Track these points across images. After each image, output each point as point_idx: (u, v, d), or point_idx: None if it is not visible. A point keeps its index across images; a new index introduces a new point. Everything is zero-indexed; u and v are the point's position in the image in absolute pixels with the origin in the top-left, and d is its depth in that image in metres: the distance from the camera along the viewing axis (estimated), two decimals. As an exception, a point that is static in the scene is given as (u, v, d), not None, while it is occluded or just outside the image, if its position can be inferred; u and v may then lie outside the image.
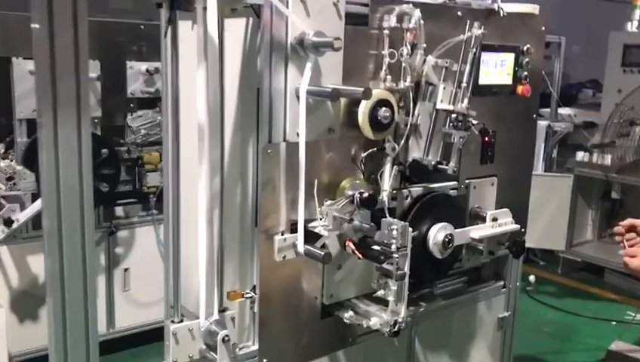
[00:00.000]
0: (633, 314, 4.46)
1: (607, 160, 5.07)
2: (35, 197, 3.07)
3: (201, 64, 1.60)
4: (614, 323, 4.34)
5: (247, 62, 1.75)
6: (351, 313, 1.91)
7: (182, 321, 1.67)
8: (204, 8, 1.58)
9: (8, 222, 2.97)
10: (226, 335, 1.60)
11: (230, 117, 1.78)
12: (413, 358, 2.25)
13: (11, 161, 3.07)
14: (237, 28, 1.73)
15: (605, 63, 5.15)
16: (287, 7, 1.63)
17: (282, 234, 1.77)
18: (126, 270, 3.66)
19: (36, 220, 3.05)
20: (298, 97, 1.70)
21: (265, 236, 1.74)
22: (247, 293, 1.77)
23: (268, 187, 1.73)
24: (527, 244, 2.46)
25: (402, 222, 1.77)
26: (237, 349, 1.77)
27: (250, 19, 1.72)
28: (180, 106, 1.70)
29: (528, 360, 2.67)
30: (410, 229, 1.79)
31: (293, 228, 1.78)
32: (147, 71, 3.47)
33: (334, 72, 1.75)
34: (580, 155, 5.13)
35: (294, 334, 1.88)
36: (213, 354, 1.61)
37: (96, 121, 3.36)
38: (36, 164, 2.95)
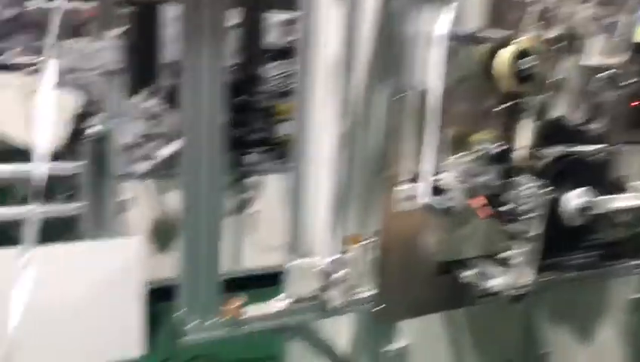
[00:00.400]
0: None
1: None
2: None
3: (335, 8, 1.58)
4: None
5: (383, 5, 1.70)
6: (470, 272, 1.83)
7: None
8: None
9: (150, 158, 3.19)
10: (343, 276, 1.60)
11: (361, 61, 1.74)
12: (530, 329, 2.14)
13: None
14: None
15: None
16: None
17: (406, 184, 1.73)
18: (254, 214, 3.81)
19: (175, 158, 3.25)
20: (434, 42, 1.62)
21: (389, 184, 1.71)
22: (366, 239, 1.76)
23: (395, 135, 1.69)
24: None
25: (538, 181, 1.66)
26: (352, 292, 1.77)
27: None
28: (314, 55, 1.69)
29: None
30: (543, 191, 1.67)
31: (418, 179, 1.73)
32: (283, 22, 3.52)
33: (475, 16, 1.65)
34: None
35: (410, 285, 1.85)
36: (329, 294, 1.63)
37: (232, 69, 3.47)
38: (178, 105, 3.15)
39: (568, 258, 2.13)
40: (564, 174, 1.91)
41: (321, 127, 1.74)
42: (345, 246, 1.74)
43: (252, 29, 3.54)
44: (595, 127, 1.86)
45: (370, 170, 1.78)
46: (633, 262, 2.31)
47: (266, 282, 3.76)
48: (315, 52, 1.71)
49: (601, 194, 1.98)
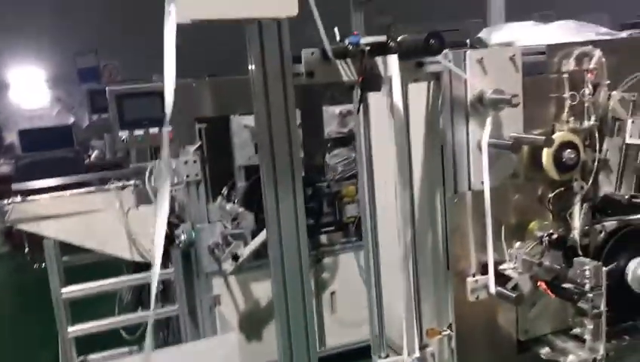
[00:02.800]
0: None
1: None
2: (254, 234, 3.55)
3: (390, 127, 1.83)
4: None
5: (431, 121, 1.93)
6: (547, 349, 1.97)
7: (387, 356, 1.89)
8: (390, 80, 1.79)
9: (235, 257, 3.48)
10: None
11: (418, 171, 1.97)
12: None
13: (234, 203, 3.61)
14: (420, 92, 1.92)
15: None
16: (465, 69, 1.78)
17: (474, 276, 1.90)
18: (332, 293, 4.02)
19: (255, 253, 3.53)
20: (480, 149, 1.83)
21: (457, 278, 1.89)
22: (444, 331, 1.93)
23: (457, 232, 1.88)
24: None
25: (595, 262, 1.80)
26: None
27: (432, 83, 1.90)
28: (374, 166, 1.94)
29: None
30: (604, 268, 1.81)
31: (483, 270, 1.91)
32: (340, 113, 3.82)
33: (515, 122, 1.85)
34: None
35: (492, 368, 2.00)
36: (416, 388, 1.81)
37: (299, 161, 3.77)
38: (255, 204, 3.45)
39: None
40: (621, 245, 2.04)
41: (385, 210, 1.95)
42: (425, 341, 1.92)
43: (315, 122, 3.85)
44: (644, 199, 1.98)
45: (439, 266, 1.97)
46: None
47: (350, 357, 3.96)
48: (374, 167, 1.96)
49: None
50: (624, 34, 2.21)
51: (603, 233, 2.06)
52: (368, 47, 1.81)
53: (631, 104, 1.96)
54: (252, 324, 3.77)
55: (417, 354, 1.84)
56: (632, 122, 1.96)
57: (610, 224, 2.08)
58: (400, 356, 1.86)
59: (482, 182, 1.83)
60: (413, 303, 1.90)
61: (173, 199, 3.61)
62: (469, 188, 1.86)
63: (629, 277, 2.02)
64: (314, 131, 3.87)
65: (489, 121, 1.80)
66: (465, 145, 1.84)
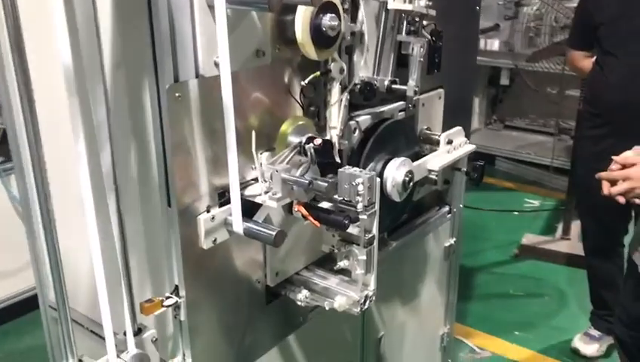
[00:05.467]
0: (532, 202, 4.50)
1: (495, 45, 4.92)
2: None
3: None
4: (516, 213, 4.32)
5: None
6: (305, 292, 1.46)
7: (80, 363, 1.12)
8: None
9: None
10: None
11: (108, 46, 1.15)
12: (367, 316, 1.88)
13: None
14: None
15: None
16: None
17: (209, 211, 1.24)
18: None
19: None
20: (211, 8, 1.11)
21: (184, 217, 1.20)
22: (167, 298, 1.25)
23: (180, 147, 1.17)
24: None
25: (368, 173, 1.31)
26: (164, 374, 1.27)
27: None
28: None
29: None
30: (378, 180, 1.34)
31: (222, 201, 1.26)
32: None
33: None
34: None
35: (236, 333, 1.41)
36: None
37: None
38: None
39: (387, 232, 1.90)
40: (379, 147, 1.61)
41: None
42: (140, 321, 1.21)
43: None
44: (409, 85, 1.56)
45: (154, 205, 1.24)
46: (441, 211, 2.19)
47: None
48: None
49: (416, 156, 1.75)
50: None
51: (357, 131, 1.60)
52: None
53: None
54: None
55: (133, 349, 1.12)
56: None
57: (364, 118, 1.62)
58: (103, 359, 1.11)
59: (216, 63, 1.14)
60: (119, 268, 1.15)
61: None
62: (197, 76, 1.15)
63: (388, 185, 1.61)
64: None
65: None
66: (188, 3, 1.11)
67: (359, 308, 1.40)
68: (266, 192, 1.26)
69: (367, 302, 1.42)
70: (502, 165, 5.16)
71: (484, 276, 3.50)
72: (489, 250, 3.81)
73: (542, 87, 5.05)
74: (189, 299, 1.26)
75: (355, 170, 1.33)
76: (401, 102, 1.77)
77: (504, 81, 5.07)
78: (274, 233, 1.21)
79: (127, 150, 1.24)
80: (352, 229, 1.35)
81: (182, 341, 1.30)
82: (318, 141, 1.30)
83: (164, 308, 1.23)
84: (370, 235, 1.37)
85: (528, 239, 3.79)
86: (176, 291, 1.26)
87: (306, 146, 1.28)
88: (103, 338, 1.12)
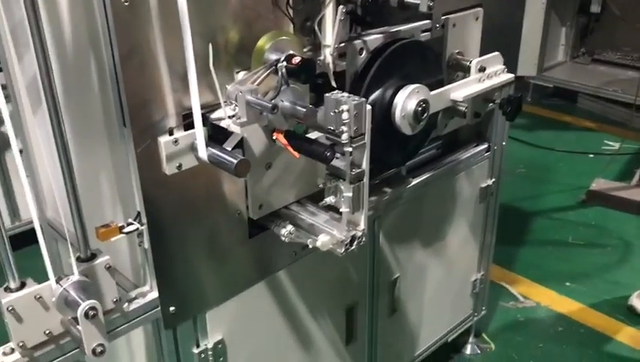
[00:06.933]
0: (612, 144, 4.09)
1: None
2: None
3: None
4: (592, 155, 3.95)
5: None
6: (290, 228, 1.33)
7: (22, 287, 1.06)
8: None
9: None
10: (91, 308, 1.02)
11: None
12: (377, 257, 1.75)
13: None
14: None
15: None
16: None
17: (171, 134, 1.13)
18: None
19: None
20: None
21: (141, 137, 1.10)
22: (128, 225, 1.17)
23: (133, 59, 1.05)
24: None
25: (356, 98, 1.14)
26: (126, 303, 1.21)
27: None
28: None
29: (503, 211, 2.28)
30: (369, 107, 1.17)
31: (187, 122, 1.14)
32: None
33: None
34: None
35: (211, 267, 1.32)
36: (80, 329, 1.05)
37: None
38: None
39: (405, 166, 1.73)
40: (389, 70, 1.43)
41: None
42: (96, 246, 1.14)
43: None
44: None
45: (110, 123, 1.14)
46: (478, 148, 1.98)
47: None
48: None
49: (439, 84, 1.54)
50: None
51: (364, 51, 1.41)
52: None
53: None
54: None
55: (75, 277, 1.06)
56: None
57: (374, 38, 1.43)
58: (44, 284, 1.06)
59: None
60: (63, 182, 1.07)
61: None
62: (149, -25, 1.02)
63: (397, 115, 1.43)
64: None
65: None
66: None
67: (343, 249, 1.26)
68: (233, 115, 1.13)
69: (355, 242, 1.28)
70: (584, 103, 4.71)
71: (542, 221, 3.24)
72: (553, 193, 3.51)
73: (634, 15, 4.49)
74: (152, 226, 1.17)
75: (343, 95, 1.17)
76: (426, 21, 1.56)
77: (594, 8, 4.54)
78: (235, 161, 1.09)
79: (87, 64, 1.14)
80: (339, 162, 1.21)
81: (148, 269, 1.23)
82: (297, 60, 1.14)
83: (122, 235, 1.16)
84: (359, 170, 1.21)
85: (599, 184, 3.46)
86: (138, 218, 1.18)
87: (278, 65, 1.12)
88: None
